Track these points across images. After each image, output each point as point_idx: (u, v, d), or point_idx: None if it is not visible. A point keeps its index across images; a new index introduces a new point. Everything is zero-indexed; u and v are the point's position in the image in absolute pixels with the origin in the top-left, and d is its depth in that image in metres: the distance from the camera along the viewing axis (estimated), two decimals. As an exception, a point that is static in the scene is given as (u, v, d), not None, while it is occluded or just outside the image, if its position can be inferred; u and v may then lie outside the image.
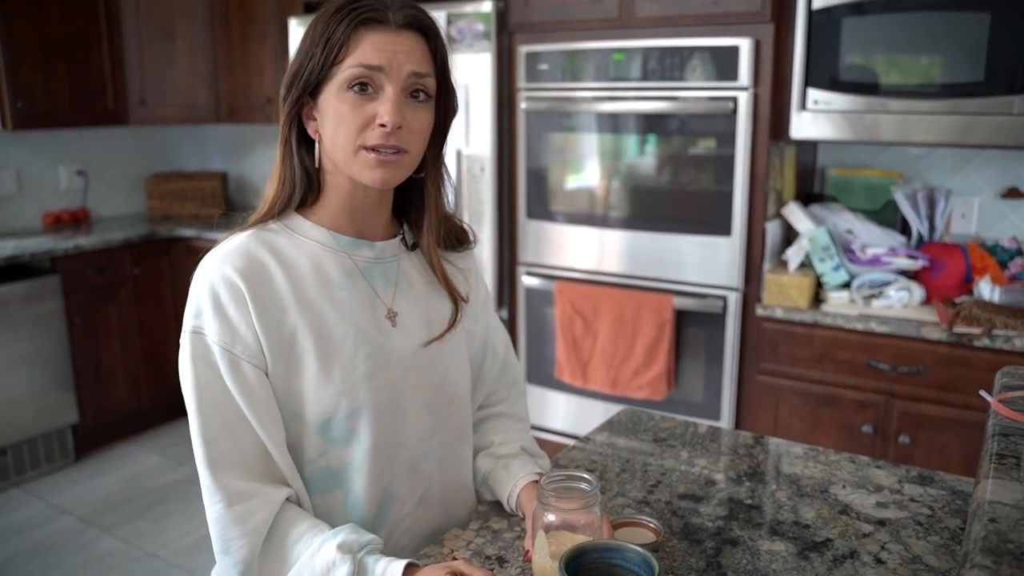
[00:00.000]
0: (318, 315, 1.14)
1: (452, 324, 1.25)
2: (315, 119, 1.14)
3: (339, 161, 1.13)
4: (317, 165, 1.17)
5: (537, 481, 1.25)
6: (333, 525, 1.14)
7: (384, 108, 1.09)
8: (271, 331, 1.10)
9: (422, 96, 1.13)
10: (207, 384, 1.09)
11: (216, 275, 1.10)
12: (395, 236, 1.26)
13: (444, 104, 1.19)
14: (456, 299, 1.27)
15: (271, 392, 1.11)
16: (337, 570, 1.03)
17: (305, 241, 1.17)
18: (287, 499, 1.11)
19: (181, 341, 1.12)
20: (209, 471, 1.08)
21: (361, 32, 1.09)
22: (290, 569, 1.07)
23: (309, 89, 1.12)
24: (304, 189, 1.17)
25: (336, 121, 1.11)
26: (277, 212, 1.18)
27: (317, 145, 1.15)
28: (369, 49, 1.09)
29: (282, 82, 1.15)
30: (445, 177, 1.26)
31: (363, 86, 1.09)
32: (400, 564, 1.03)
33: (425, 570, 1.03)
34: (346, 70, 1.09)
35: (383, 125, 1.09)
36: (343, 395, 1.13)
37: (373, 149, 1.10)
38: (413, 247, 1.27)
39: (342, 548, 1.04)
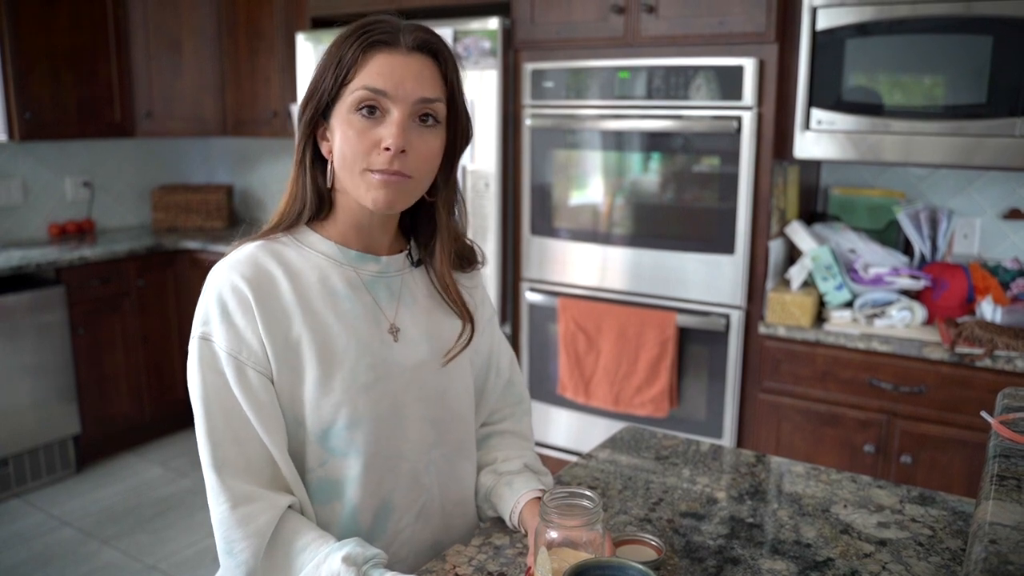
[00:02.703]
0: (322, 325, 1.15)
1: (466, 343, 1.26)
2: (328, 139, 1.16)
3: (345, 182, 1.15)
4: (330, 185, 1.18)
5: (540, 498, 1.24)
6: (332, 535, 1.15)
7: (388, 131, 1.10)
8: (276, 339, 1.12)
9: (431, 121, 1.14)
10: (214, 389, 1.10)
11: (224, 283, 1.12)
12: (401, 251, 1.27)
13: (454, 128, 1.19)
14: (469, 318, 1.27)
15: (276, 399, 1.13)
16: None
17: (312, 253, 1.19)
18: (290, 507, 1.12)
19: (189, 347, 1.13)
20: (215, 473, 1.09)
21: (370, 54, 1.11)
22: None
23: (321, 110, 1.14)
24: (315, 206, 1.19)
25: (343, 142, 1.12)
26: (287, 226, 1.19)
27: (330, 164, 1.17)
28: (375, 72, 1.10)
29: (301, 102, 1.17)
30: (457, 199, 1.27)
31: (371, 109, 1.11)
32: None
33: None
34: (353, 92, 1.11)
35: (387, 148, 1.10)
36: (343, 405, 1.14)
37: (377, 172, 1.11)
38: (418, 263, 1.28)
39: (347, 560, 1.04)
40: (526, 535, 1.26)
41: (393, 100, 1.10)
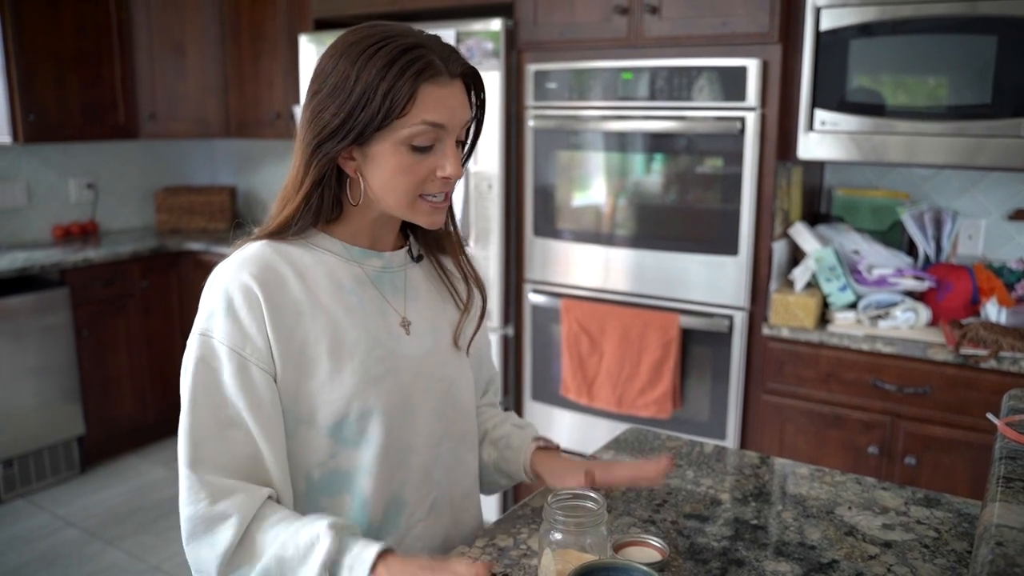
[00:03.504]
0: (332, 319, 1.16)
1: (478, 324, 1.34)
2: (354, 159, 1.14)
3: (392, 207, 1.16)
4: (355, 202, 1.16)
5: (541, 446, 1.37)
6: None
7: (449, 162, 1.13)
8: (283, 336, 1.12)
9: (463, 138, 1.19)
10: (203, 386, 1.10)
11: (232, 280, 1.12)
12: (401, 247, 1.29)
13: (473, 135, 1.24)
14: (482, 293, 1.33)
15: (277, 398, 1.13)
16: (320, 542, 1.03)
17: (318, 251, 1.20)
18: (269, 497, 1.12)
19: (188, 343, 1.13)
20: (191, 469, 1.09)
21: (425, 88, 1.08)
22: (264, 549, 1.07)
23: (362, 140, 1.10)
24: (329, 214, 1.19)
25: (394, 174, 1.12)
26: (297, 231, 1.18)
27: (356, 182, 1.15)
28: (431, 106, 1.09)
29: (318, 120, 1.11)
30: None
31: (426, 145, 1.12)
32: (374, 549, 1.03)
33: (398, 562, 1.03)
34: (409, 127, 1.09)
35: (447, 178, 1.14)
36: (355, 397, 1.15)
37: (432, 197, 1.16)
38: (418, 259, 1.31)
39: (333, 527, 1.05)
40: (536, 480, 1.37)
41: (447, 131, 1.13)
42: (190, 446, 1.09)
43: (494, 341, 3.14)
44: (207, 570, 1.09)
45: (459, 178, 1.15)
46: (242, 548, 1.08)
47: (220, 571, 1.08)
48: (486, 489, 1.45)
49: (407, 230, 1.32)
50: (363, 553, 1.03)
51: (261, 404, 1.11)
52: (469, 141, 1.24)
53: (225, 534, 1.07)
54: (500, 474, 1.41)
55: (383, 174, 1.13)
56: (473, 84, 1.17)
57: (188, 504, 1.08)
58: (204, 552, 1.09)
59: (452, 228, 1.30)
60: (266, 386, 1.11)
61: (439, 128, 1.11)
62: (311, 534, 1.04)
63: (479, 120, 1.22)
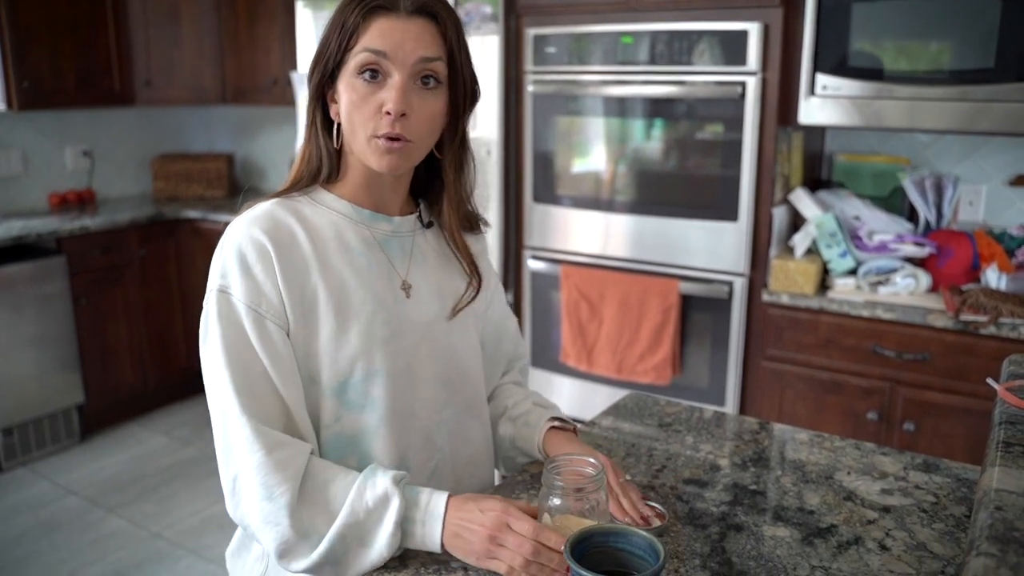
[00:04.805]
0: (339, 279, 1.17)
1: (472, 297, 1.30)
2: (336, 102, 1.18)
3: (353, 146, 1.17)
4: (338, 146, 1.21)
5: (555, 426, 1.35)
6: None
7: (389, 95, 1.12)
8: (294, 292, 1.13)
9: (432, 82, 1.15)
10: (233, 341, 1.11)
11: (244, 237, 1.13)
12: (412, 213, 1.29)
13: (457, 86, 1.19)
14: (475, 275, 1.30)
15: (292, 352, 1.14)
16: (392, 502, 1.06)
17: (327, 211, 1.21)
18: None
19: (205, 300, 1.14)
20: (247, 419, 1.08)
21: (371, 19, 1.12)
22: (332, 507, 1.08)
23: (328, 74, 1.16)
24: (329, 167, 1.21)
25: (349, 107, 1.15)
26: (302, 187, 1.22)
27: (336, 127, 1.19)
28: (376, 34, 1.12)
29: (310, 67, 1.20)
30: (467, 157, 1.28)
31: (373, 73, 1.12)
32: (441, 501, 1.07)
33: (460, 509, 1.07)
34: (355, 55, 1.13)
35: (388, 113, 1.12)
36: (359, 357, 1.16)
37: (382, 138, 1.13)
38: (428, 225, 1.31)
39: (395, 480, 1.08)
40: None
41: (393, 62, 1.12)
42: (237, 396, 1.08)
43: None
44: (277, 521, 1.06)
45: (399, 113, 1.11)
46: (309, 501, 1.08)
47: (292, 521, 1.06)
48: (504, 465, 1.44)
49: (418, 197, 1.32)
50: (430, 505, 1.07)
51: (280, 359, 1.12)
52: (458, 90, 1.19)
53: (285, 486, 1.06)
54: (517, 451, 1.40)
55: (345, 111, 1.15)
56: (439, 23, 1.15)
57: (247, 454, 1.07)
58: (267, 506, 1.07)
59: (451, 204, 1.27)
60: (282, 342, 1.13)
61: (382, 56, 1.11)
62: (377, 494, 1.07)
63: (454, 60, 1.16)
